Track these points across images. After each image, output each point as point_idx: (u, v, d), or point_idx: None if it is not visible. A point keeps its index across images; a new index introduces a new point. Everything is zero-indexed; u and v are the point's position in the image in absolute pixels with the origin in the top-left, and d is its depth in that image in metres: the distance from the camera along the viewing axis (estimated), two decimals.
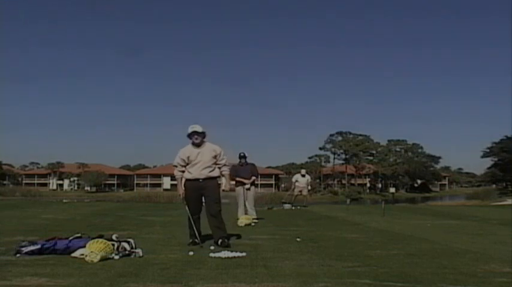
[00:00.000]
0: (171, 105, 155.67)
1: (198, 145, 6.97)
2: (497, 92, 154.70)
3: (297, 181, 19.51)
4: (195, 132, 6.95)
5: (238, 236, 7.87)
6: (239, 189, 11.70)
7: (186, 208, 6.95)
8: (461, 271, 4.87)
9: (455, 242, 7.29)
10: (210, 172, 7.00)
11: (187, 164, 6.99)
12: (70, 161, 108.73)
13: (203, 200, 7.03)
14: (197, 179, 6.93)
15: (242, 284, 4.17)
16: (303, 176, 19.46)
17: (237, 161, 11.68)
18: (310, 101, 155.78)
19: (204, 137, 7.03)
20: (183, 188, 7.01)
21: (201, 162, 6.94)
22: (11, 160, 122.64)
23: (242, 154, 11.58)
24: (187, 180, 7.05)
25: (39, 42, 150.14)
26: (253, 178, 11.74)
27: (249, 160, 11.81)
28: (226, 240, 6.72)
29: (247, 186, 11.65)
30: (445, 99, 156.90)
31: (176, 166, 7.10)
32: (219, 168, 7.13)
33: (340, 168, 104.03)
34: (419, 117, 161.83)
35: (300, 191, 19.26)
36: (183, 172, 7.05)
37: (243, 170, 11.59)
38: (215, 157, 7.03)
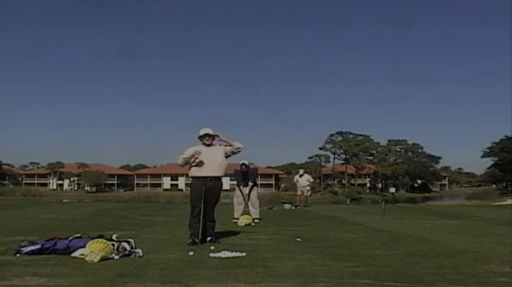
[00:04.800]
0: (171, 105, 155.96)
1: (208, 146, 7.26)
2: (497, 92, 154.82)
3: (297, 181, 19.83)
4: (207, 135, 7.26)
5: (238, 236, 7.88)
6: (237, 190, 11.81)
7: (198, 202, 7.03)
8: (461, 271, 4.86)
9: (455, 242, 7.29)
10: (219, 171, 7.26)
11: (196, 159, 7.16)
12: (70, 161, 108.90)
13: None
14: (207, 178, 7.13)
15: (242, 284, 4.16)
16: (301, 176, 19.75)
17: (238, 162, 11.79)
18: (310, 101, 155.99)
19: (214, 139, 7.33)
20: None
21: (212, 161, 7.19)
22: (11, 160, 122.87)
23: (244, 167, 11.64)
24: (196, 179, 7.19)
25: (39, 42, 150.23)
26: (250, 184, 11.82)
27: (250, 161, 11.97)
28: (214, 238, 7.10)
29: (245, 190, 11.74)
30: (445, 99, 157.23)
31: (178, 159, 7.23)
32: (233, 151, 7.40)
33: (340, 168, 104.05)
34: (419, 117, 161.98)
35: (302, 192, 19.52)
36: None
37: (244, 176, 11.71)
38: (225, 152, 7.34)
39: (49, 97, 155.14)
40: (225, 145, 7.41)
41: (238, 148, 7.40)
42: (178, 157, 7.24)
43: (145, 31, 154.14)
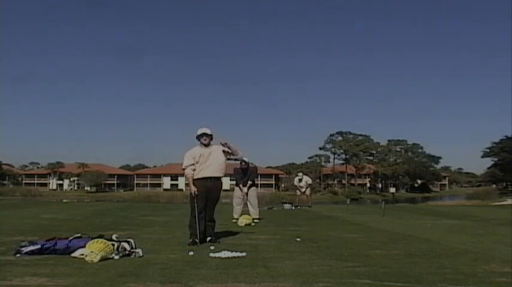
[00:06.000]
0: (171, 105, 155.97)
1: (206, 146, 7.26)
2: (497, 92, 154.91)
3: (299, 186, 20.18)
4: (204, 134, 7.26)
5: (238, 236, 7.89)
6: (237, 190, 11.82)
7: (196, 205, 7.05)
8: (461, 271, 4.86)
9: (455, 242, 7.29)
10: (219, 172, 7.29)
11: (196, 163, 7.20)
12: (70, 161, 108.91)
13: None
14: (207, 178, 7.17)
15: (242, 284, 4.16)
16: (300, 180, 20.10)
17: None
18: (311, 101, 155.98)
19: (211, 139, 7.32)
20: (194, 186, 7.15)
21: (212, 162, 7.21)
22: (11, 160, 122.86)
23: (244, 163, 11.65)
24: (196, 179, 7.21)
25: (39, 42, 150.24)
26: (249, 183, 11.81)
27: (249, 160, 11.96)
28: (214, 238, 7.11)
29: (244, 189, 11.73)
30: (445, 99, 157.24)
31: (185, 168, 7.25)
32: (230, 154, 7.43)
33: (340, 168, 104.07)
34: (419, 117, 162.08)
35: (303, 191, 19.79)
36: (194, 170, 7.23)
37: (243, 173, 11.70)
38: (224, 151, 7.32)
39: (49, 97, 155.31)
40: (227, 151, 7.35)
41: (236, 158, 7.52)
42: (186, 167, 7.23)
43: (144, 29, 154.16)
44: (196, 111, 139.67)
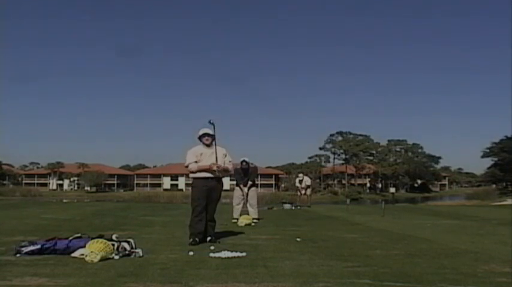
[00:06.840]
0: (171, 104, 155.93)
1: (208, 146, 7.30)
2: (497, 92, 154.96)
3: (299, 187, 20.37)
4: (206, 134, 7.30)
5: (238, 236, 7.89)
6: (237, 190, 11.82)
7: (198, 204, 7.10)
8: (461, 271, 4.86)
9: (455, 242, 7.29)
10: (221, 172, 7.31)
11: (198, 161, 7.24)
12: (70, 161, 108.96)
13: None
14: (209, 178, 7.21)
15: (242, 284, 4.16)
16: (301, 181, 20.25)
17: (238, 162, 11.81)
18: (311, 101, 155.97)
19: (213, 139, 7.35)
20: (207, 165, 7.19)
21: (214, 161, 7.21)
22: (11, 160, 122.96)
23: (244, 163, 11.70)
24: (198, 179, 7.23)
25: (38, 41, 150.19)
26: (250, 183, 11.83)
27: (250, 160, 11.99)
28: (214, 238, 7.13)
29: (245, 190, 11.75)
30: (445, 99, 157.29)
31: (188, 165, 7.30)
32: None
33: (340, 168, 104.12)
34: (419, 116, 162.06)
35: (303, 193, 19.87)
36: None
37: (244, 173, 11.72)
38: (225, 155, 7.39)
39: (49, 97, 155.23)
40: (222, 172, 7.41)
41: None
42: (189, 164, 7.27)
43: (144, 27, 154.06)
44: (196, 110, 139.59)
